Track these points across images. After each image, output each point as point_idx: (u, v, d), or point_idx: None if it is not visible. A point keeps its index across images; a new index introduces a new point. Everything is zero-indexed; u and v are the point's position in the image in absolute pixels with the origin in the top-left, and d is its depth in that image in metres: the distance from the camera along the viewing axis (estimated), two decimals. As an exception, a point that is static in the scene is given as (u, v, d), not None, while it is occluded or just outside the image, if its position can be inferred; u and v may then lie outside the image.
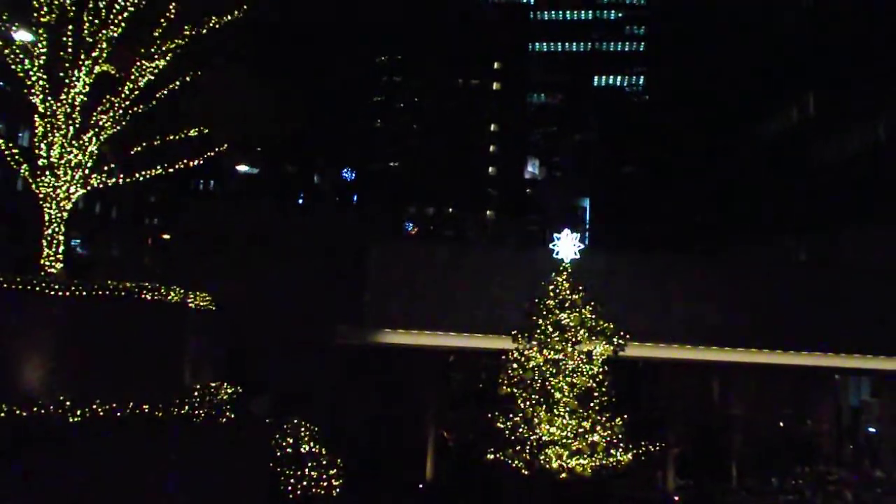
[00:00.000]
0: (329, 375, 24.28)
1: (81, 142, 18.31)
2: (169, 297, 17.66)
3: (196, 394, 18.43)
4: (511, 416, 19.42)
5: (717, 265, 27.70)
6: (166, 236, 42.48)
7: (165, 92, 19.15)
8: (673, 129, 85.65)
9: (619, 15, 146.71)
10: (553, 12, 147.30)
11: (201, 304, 19.73)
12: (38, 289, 15.78)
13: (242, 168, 50.24)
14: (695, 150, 71.62)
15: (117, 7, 18.23)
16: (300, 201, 56.10)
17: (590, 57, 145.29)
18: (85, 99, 18.28)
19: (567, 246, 19.83)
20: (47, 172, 18.17)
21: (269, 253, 24.62)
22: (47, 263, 18.10)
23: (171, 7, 19.14)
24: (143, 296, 16.85)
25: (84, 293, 16.02)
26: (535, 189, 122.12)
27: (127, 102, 18.91)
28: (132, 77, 18.95)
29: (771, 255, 44.49)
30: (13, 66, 17.92)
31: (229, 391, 20.25)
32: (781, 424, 31.40)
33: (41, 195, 18.22)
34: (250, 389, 21.40)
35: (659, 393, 29.79)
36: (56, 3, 17.79)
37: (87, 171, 18.46)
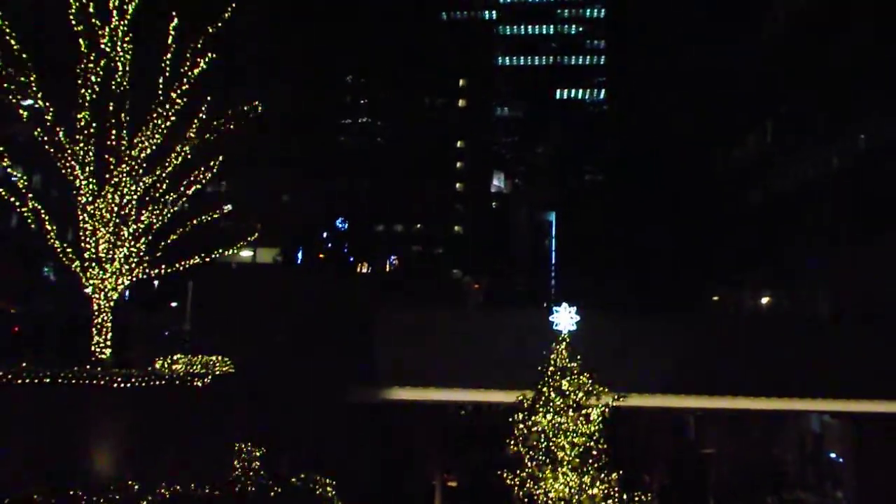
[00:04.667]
0: (341, 430, 26.20)
1: (125, 237, 20.08)
2: (207, 380, 19.53)
3: (237, 463, 20.37)
4: (518, 472, 21.64)
5: (692, 319, 30.06)
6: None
7: (201, 185, 20.99)
8: (631, 141, 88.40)
9: (580, 29, 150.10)
10: (514, 27, 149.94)
11: (226, 369, 21.60)
12: (102, 382, 17.55)
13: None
14: (654, 164, 74.01)
15: (155, 116, 20.09)
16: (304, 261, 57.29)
17: (551, 70, 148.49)
18: (128, 198, 20.07)
19: (565, 318, 22.12)
20: (95, 266, 19.93)
21: (283, 316, 26.44)
22: (97, 350, 19.86)
23: (202, 108, 21.06)
24: (194, 383, 18.70)
25: (143, 384, 17.83)
26: (500, 202, 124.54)
27: (165, 198, 20.75)
28: (167, 172, 20.81)
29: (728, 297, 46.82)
30: (64, 172, 19.66)
31: (257, 454, 22.20)
32: (750, 456, 34.01)
33: (90, 287, 19.95)
34: (273, 448, 23.28)
35: (637, 435, 32.14)
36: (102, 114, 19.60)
37: (132, 264, 20.23)
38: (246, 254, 52.94)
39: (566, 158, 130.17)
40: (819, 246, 42.26)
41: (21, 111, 19.23)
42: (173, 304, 38.35)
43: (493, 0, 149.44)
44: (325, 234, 63.46)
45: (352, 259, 64.84)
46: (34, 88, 19.17)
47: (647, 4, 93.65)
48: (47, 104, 19.26)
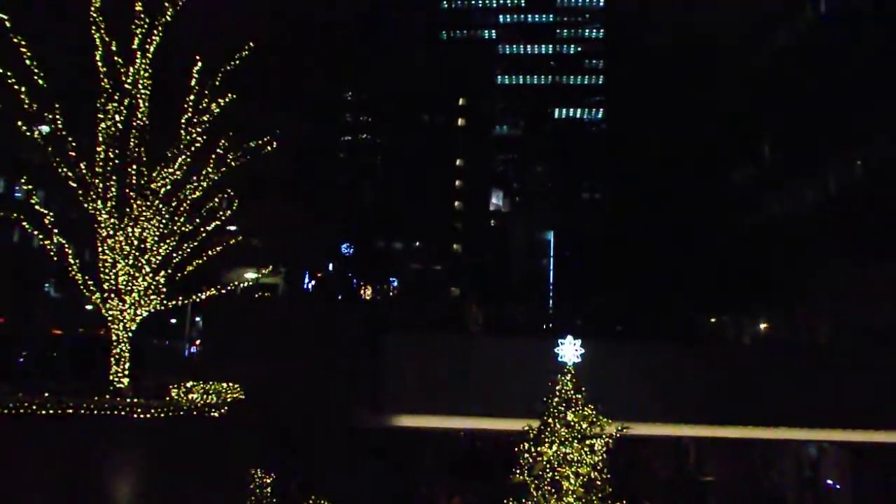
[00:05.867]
0: (347, 456, 26.67)
1: (144, 269, 20.64)
2: (223, 410, 20.08)
3: (252, 486, 20.90)
4: (524, 500, 22.14)
5: (691, 348, 30.59)
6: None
7: (220, 222, 21.60)
8: (631, 162, 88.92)
9: (579, 49, 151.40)
10: (513, 47, 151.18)
11: (237, 396, 22.14)
12: (123, 413, 18.06)
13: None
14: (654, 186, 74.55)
15: (175, 154, 20.73)
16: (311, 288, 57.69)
17: (550, 90, 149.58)
18: (148, 231, 20.65)
19: (570, 351, 22.75)
20: (114, 297, 20.48)
21: (290, 343, 26.97)
22: (115, 380, 20.38)
23: (221, 143, 21.70)
24: (211, 413, 19.23)
25: (162, 414, 18.36)
26: (499, 220, 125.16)
27: (182, 230, 21.35)
28: (185, 206, 21.42)
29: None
30: (86, 205, 20.24)
31: (268, 481, 22.72)
32: (749, 483, 34.51)
33: (109, 318, 20.49)
34: (283, 474, 23.76)
35: (639, 462, 32.65)
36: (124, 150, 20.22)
37: (150, 295, 20.79)
38: (250, 275, 53.58)
39: (564, 178, 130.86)
40: (818, 272, 42.86)
41: (46, 145, 19.79)
42: (173, 321, 38.94)
43: (493, 19, 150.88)
44: (330, 263, 64.00)
45: (355, 281, 65.31)
46: (59, 125, 19.76)
47: (646, 25, 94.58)
48: (70, 139, 19.86)
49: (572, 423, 22.06)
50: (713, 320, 52.34)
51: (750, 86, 57.92)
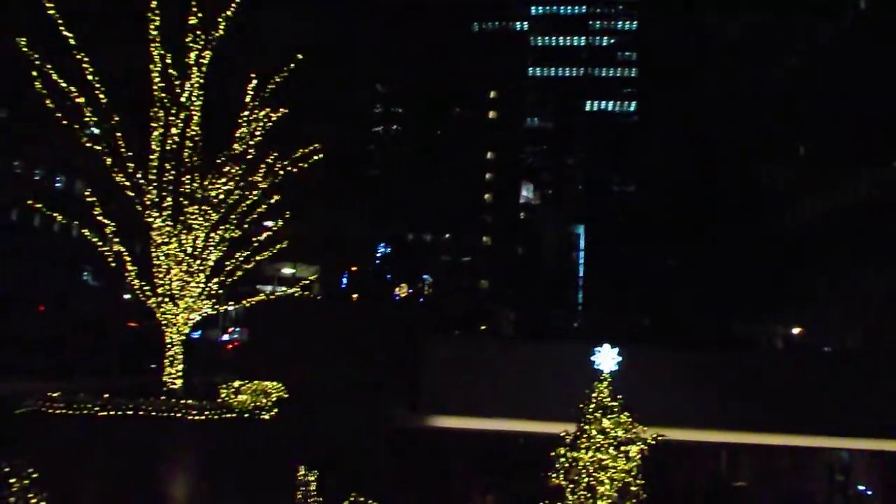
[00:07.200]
0: (386, 455, 27.45)
1: (197, 275, 21.45)
2: (273, 412, 20.92)
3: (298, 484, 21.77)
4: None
5: (723, 354, 30.88)
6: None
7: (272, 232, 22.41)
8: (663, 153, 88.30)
9: (612, 41, 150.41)
10: (546, 38, 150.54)
11: (281, 394, 22.96)
12: (179, 415, 18.93)
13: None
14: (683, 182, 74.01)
15: (228, 166, 21.52)
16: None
17: (582, 82, 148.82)
18: (200, 238, 21.46)
19: (607, 359, 23.30)
20: (168, 302, 21.32)
21: (332, 344, 27.77)
22: (169, 381, 21.26)
23: (269, 155, 22.44)
24: (261, 416, 20.07)
25: (215, 416, 19.20)
26: (528, 214, 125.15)
27: (232, 235, 22.14)
28: (236, 213, 22.21)
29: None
30: (142, 214, 21.08)
31: (311, 479, 23.61)
32: (780, 488, 34.71)
33: (164, 321, 21.36)
34: (324, 471, 24.59)
35: (671, 468, 32.93)
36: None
37: (202, 300, 21.61)
38: (287, 271, 54.69)
39: (595, 170, 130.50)
40: (851, 276, 42.82)
41: (105, 157, 20.62)
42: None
43: (525, 11, 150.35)
44: (365, 261, 64.74)
45: (388, 277, 66.14)
46: (117, 136, 20.57)
47: (680, 17, 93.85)
48: (128, 151, 20.67)
49: (608, 430, 22.62)
50: (745, 326, 52.23)
51: (786, 84, 57.46)
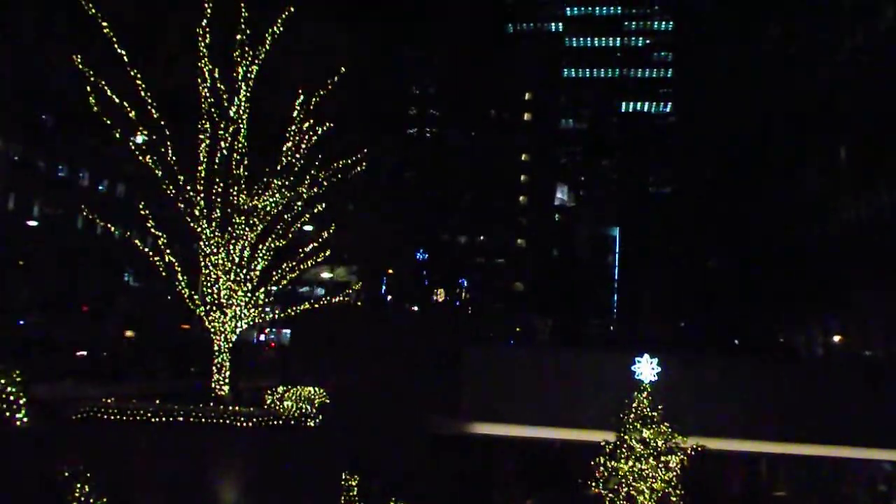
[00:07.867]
0: (426, 460, 27.81)
1: (244, 285, 21.97)
2: (319, 419, 21.37)
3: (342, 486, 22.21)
4: (600, 513, 23.00)
5: (763, 364, 30.70)
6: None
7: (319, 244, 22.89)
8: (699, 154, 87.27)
9: (647, 42, 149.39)
10: (581, 39, 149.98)
11: (323, 400, 23.40)
12: (227, 422, 19.45)
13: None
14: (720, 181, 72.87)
15: (275, 180, 22.03)
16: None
17: (618, 83, 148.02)
18: (248, 248, 21.99)
19: (647, 369, 23.42)
20: (216, 310, 21.87)
21: (375, 350, 28.18)
22: (217, 387, 21.82)
23: (314, 167, 22.91)
24: (308, 423, 20.54)
25: (264, 423, 19.71)
26: (563, 216, 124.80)
27: (277, 245, 22.64)
28: (281, 224, 22.73)
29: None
30: (192, 225, 21.64)
31: (353, 483, 24.03)
32: (821, 498, 34.43)
33: (212, 330, 21.91)
34: (365, 476, 25.00)
35: (710, 478, 32.84)
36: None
37: (250, 309, 22.14)
38: (325, 275, 55.47)
39: (631, 172, 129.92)
40: (892, 284, 42.25)
41: (156, 170, 21.21)
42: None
43: (560, 13, 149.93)
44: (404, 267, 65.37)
45: (426, 283, 66.74)
46: (168, 150, 21.15)
47: (716, 17, 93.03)
48: (178, 164, 21.25)
49: (648, 440, 22.76)
50: (783, 334, 51.68)
51: (828, 87, 56.59)
